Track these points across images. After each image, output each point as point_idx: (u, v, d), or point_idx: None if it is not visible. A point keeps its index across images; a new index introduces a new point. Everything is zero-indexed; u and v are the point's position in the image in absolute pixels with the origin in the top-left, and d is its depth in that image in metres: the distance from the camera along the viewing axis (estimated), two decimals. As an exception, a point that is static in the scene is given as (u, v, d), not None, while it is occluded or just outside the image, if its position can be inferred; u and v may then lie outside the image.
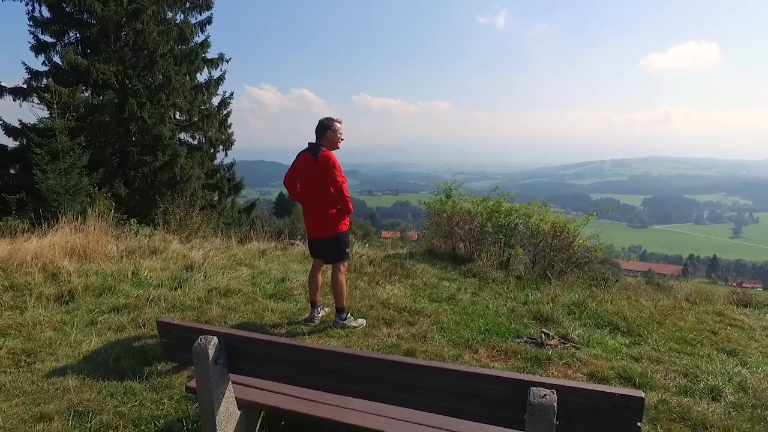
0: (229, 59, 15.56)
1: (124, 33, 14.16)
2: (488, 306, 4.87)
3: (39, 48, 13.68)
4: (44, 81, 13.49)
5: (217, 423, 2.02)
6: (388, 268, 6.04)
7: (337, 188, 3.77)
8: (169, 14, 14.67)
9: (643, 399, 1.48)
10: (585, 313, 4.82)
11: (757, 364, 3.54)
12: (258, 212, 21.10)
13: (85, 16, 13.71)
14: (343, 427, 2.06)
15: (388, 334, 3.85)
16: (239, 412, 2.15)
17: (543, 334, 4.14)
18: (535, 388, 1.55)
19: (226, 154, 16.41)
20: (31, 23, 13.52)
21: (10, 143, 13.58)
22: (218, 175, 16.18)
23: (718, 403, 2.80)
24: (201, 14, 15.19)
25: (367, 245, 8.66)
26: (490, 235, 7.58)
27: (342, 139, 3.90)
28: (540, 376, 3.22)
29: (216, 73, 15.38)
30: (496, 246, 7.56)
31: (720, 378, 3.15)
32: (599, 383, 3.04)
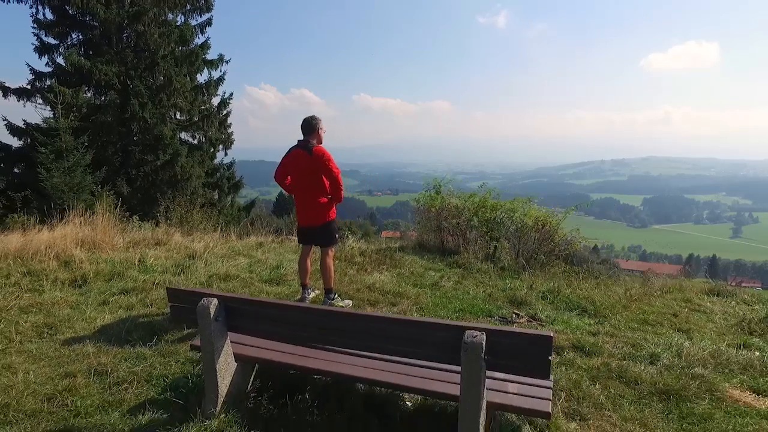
0: (229, 60, 15.97)
1: (125, 35, 14.51)
2: (468, 292, 5.26)
3: (42, 49, 14.00)
4: (47, 82, 13.79)
5: (217, 371, 2.43)
6: (377, 259, 6.44)
7: (333, 178, 4.20)
8: (170, 16, 15.02)
9: (551, 337, 1.88)
10: (558, 298, 5.21)
11: (701, 338, 3.95)
12: (258, 211, 21.47)
13: (87, 19, 14.04)
14: (323, 374, 2.47)
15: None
16: (236, 364, 2.56)
17: (514, 314, 4.55)
18: (468, 331, 1.96)
19: (226, 154, 16.83)
20: (35, 25, 13.86)
21: (14, 143, 13.93)
22: (218, 174, 16.55)
23: (654, 366, 3.21)
24: (201, 16, 15.59)
25: (362, 240, 9.05)
26: (476, 228, 7.98)
27: (325, 132, 4.30)
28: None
29: (216, 74, 15.80)
30: (482, 239, 7.96)
31: (662, 348, 3.55)
32: (555, 353, 3.44)
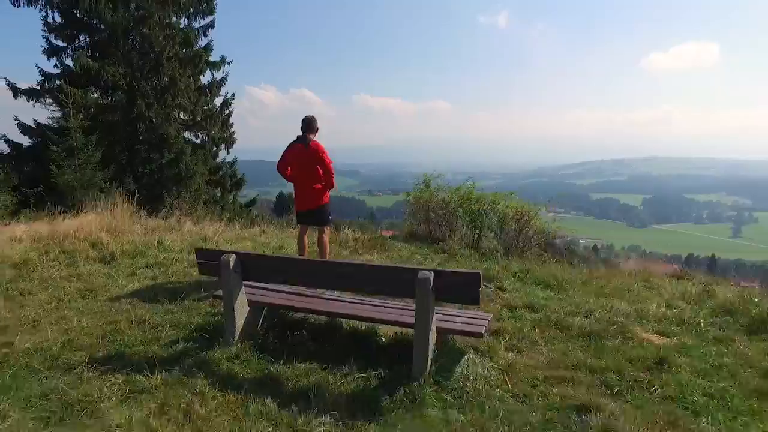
0: (231, 61, 16.50)
1: (131, 37, 14.96)
2: (447, 270, 5.97)
3: (51, 51, 14.53)
4: (56, 82, 14.22)
5: (235, 311, 3.15)
6: (369, 244, 7.17)
7: (326, 167, 4.95)
8: (174, 19, 15.58)
9: (479, 273, 2.60)
10: (527, 276, 5.90)
11: (639, 303, 4.65)
12: (258, 209, 22.11)
13: (94, 22, 14.51)
14: (318, 313, 3.19)
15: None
16: (249, 308, 3.29)
17: (484, 285, 5.26)
18: (421, 271, 2.68)
19: (228, 152, 17.39)
20: (44, 28, 14.32)
21: (24, 141, 14.52)
22: (220, 172, 17.13)
23: (588, 319, 3.93)
24: (204, 19, 16.10)
25: (355, 229, 9.75)
26: (461, 219, 8.72)
27: (318, 131, 5.07)
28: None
29: (218, 75, 16.37)
30: (467, 228, 8.69)
31: (600, 309, 4.26)
32: (509, 310, 4.17)
